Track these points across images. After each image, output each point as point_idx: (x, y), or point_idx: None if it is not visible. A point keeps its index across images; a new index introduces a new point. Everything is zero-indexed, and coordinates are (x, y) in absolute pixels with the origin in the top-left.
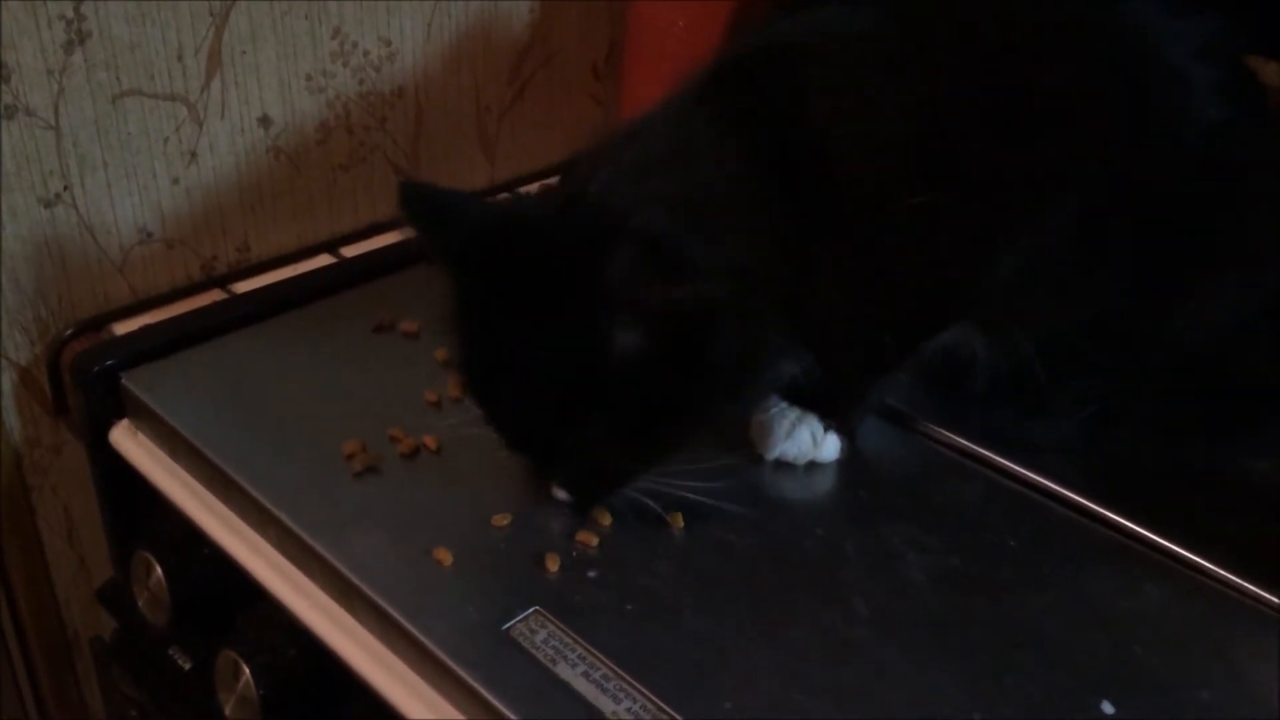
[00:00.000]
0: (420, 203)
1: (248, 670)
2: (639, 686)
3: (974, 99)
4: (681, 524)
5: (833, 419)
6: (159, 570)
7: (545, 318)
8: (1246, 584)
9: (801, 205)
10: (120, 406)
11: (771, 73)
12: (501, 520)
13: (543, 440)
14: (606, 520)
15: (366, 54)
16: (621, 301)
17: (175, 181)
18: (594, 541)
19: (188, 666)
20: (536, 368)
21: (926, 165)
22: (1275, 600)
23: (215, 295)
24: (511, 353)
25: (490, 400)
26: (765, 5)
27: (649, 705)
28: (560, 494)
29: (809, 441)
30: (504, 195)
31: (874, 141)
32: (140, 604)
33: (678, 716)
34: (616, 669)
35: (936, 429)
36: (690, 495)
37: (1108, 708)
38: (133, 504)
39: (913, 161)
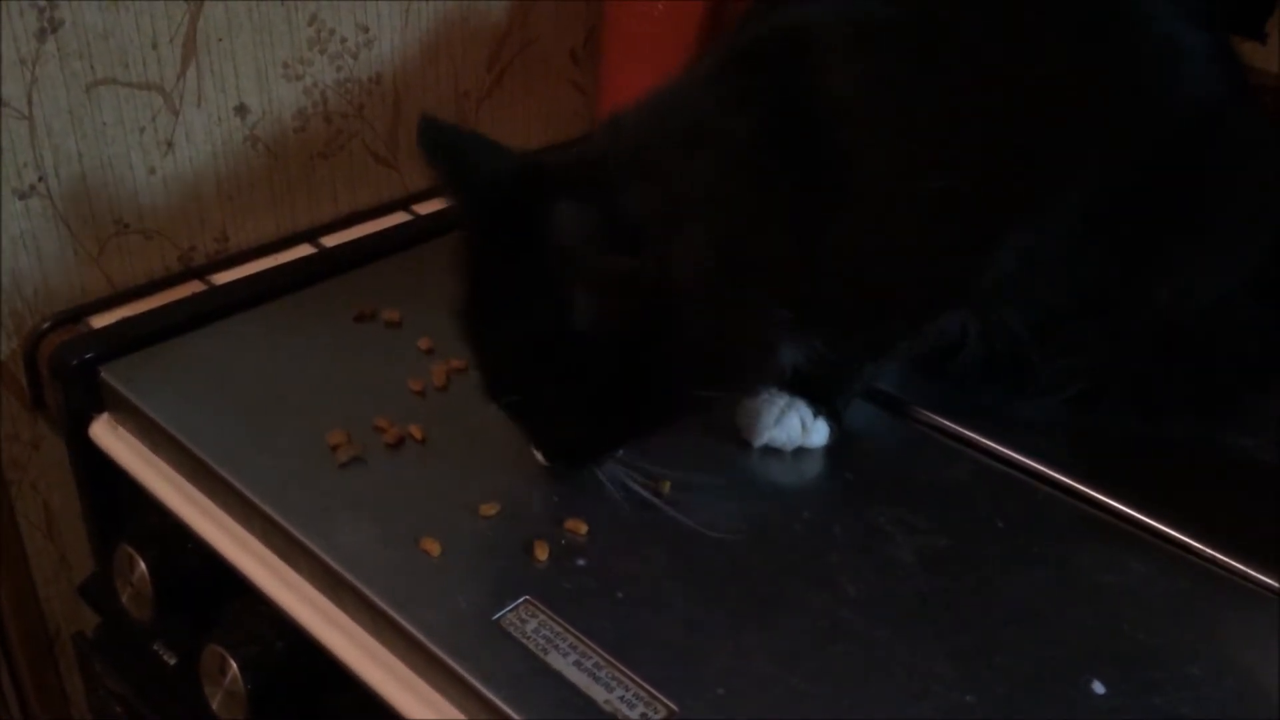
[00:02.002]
0: (439, 141)
1: (234, 664)
2: (631, 674)
3: (983, 82)
4: (668, 489)
5: (824, 404)
6: (142, 565)
7: (521, 274)
8: (1231, 560)
9: (811, 188)
10: (99, 400)
11: (784, 56)
12: (489, 509)
13: (515, 397)
14: (583, 530)
15: (344, 41)
16: (573, 265)
17: (152, 172)
18: (583, 529)
19: (173, 661)
20: (512, 323)
21: (940, 150)
22: (1259, 576)
23: (194, 286)
24: (495, 303)
25: (474, 348)
26: None
27: (641, 693)
28: (538, 455)
29: (798, 428)
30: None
31: (888, 127)
32: (123, 599)
33: (670, 703)
34: (608, 657)
35: (923, 411)
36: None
37: (1098, 687)
38: (114, 498)
39: (926, 147)
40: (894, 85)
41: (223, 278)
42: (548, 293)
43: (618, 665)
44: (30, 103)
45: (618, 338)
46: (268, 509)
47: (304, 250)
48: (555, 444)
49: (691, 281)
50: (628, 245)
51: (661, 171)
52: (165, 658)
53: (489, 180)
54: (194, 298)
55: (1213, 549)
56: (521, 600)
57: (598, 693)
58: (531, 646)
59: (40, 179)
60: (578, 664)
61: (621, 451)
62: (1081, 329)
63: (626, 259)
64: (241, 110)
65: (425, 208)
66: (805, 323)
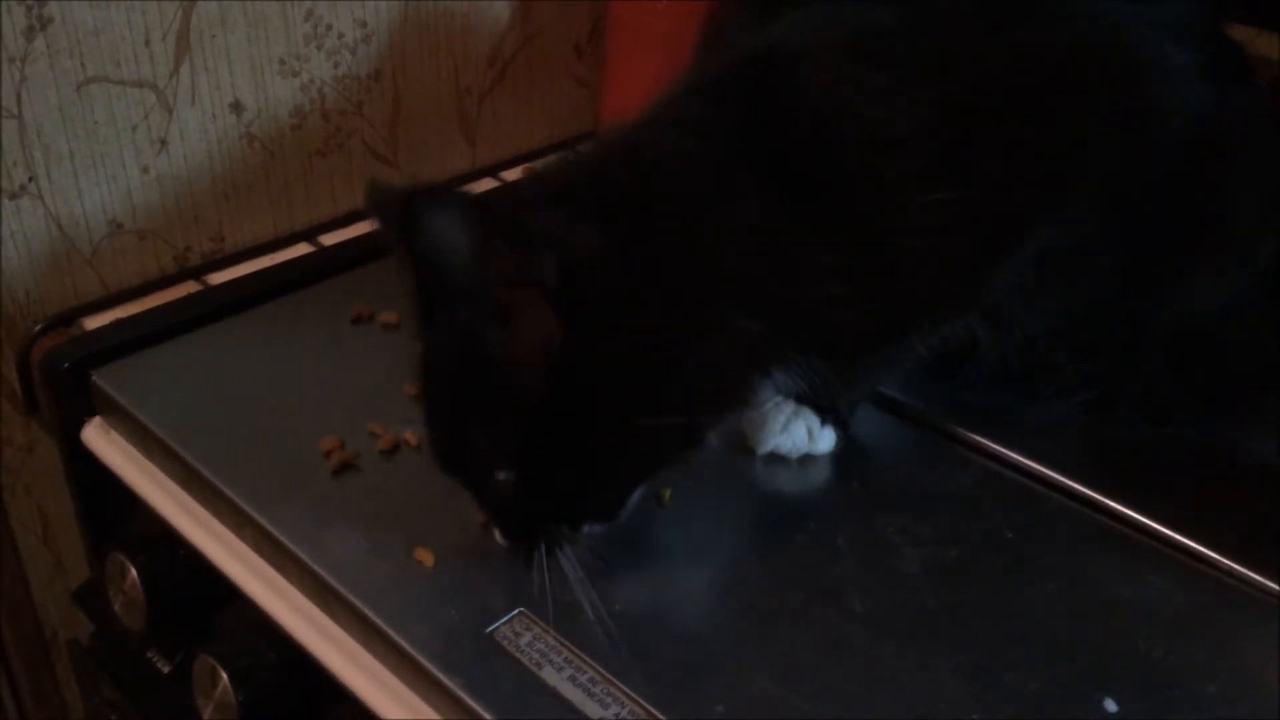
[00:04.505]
0: (383, 202)
1: (225, 676)
2: (627, 691)
3: (978, 95)
4: (669, 498)
5: (831, 411)
6: (133, 573)
7: (442, 301)
8: (1249, 572)
9: (801, 207)
10: (91, 404)
11: (767, 75)
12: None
13: (468, 466)
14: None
15: (341, 36)
16: (477, 289)
17: (145, 170)
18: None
19: (166, 669)
20: (453, 380)
21: (939, 163)
22: (1278, 588)
23: (189, 287)
24: (436, 362)
25: (426, 412)
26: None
27: (638, 710)
28: (497, 534)
29: (804, 436)
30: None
31: (882, 139)
32: (116, 607)
33: None
34: (604, 672)
35: (932, 417)
36: None
37: (1111, 705)
38: (108, 504)
39: (924, 159)
40: (888, 98)
41: (218, 278)
42: (454, 313)
43: (614, 681)
44: (20, 102)
45: (535, 356)
46: (258, 517)
47: (301, 249)
48: (506, 514)
49: (606, 284)
50: (525, 246)
51: (588, 189)
52: (159, 666)
53: (429, 221)
54: (187, 299)
55: (1232, 560)
56: (516, 612)
57: (593, 710)
58: (525, 661)
59: (31, 179)
60: (573, 679)
61: (587, 528)
62: (1094, 332)
63: (514, 255)
64: (237, 107)
65: None
66: (799, 345)
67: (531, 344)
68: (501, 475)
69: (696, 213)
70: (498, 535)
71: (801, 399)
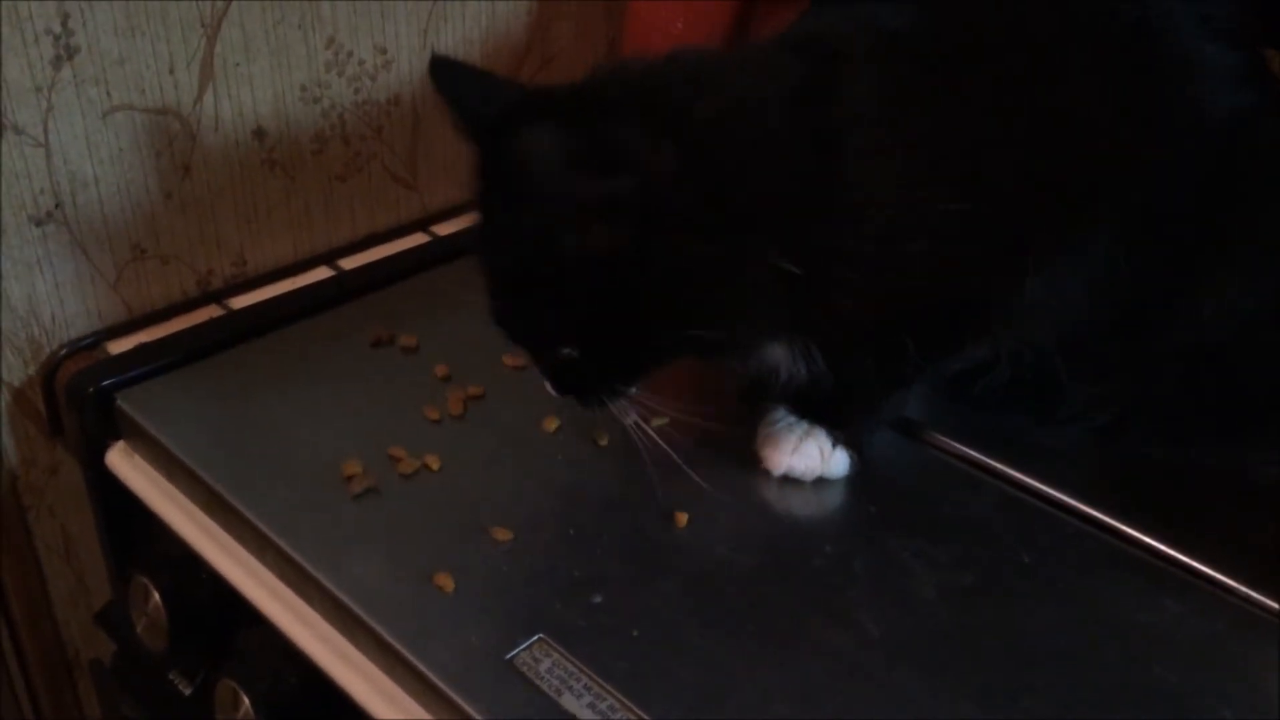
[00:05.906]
0: (450, 75)
1: (247, 699)
2: (645, 717)
3: (1000, 102)
4: (685, 522)
5: (842, 432)
6: (156, 595)
7: (513, 201)
8: (1266, 599)
9: (829, 188)
10: (115, 427)
11: (804, 63)
12: (503, 534)
13: (523, 328)
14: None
15: (362, 63)
16: (545, 187)
17: (169, 196)
18: (599, 565)
19: (188, 691)
20: (510, 251)
21: (958, 171)
22: None
23: (212, 311)
24: (496, 232)
25: (485, 276)
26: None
27: None
28: (548, 387)
29: (817, 457)
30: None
31: (898, 142)
32: (138, 629)
33: None
34: (623, 699)
35: (948, 440)
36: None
37: None
38: (131, 526)
39: (944, 166)
40: (907, 101)
41: (240, 301)
42: (532, 218)
43: (632, 708)
44: (46, 130)
45: (602, 263)
46: (280, 541)
47: (322, 273)
48: (560, 376)
49: (676, 207)
50: (611, 168)
51: (667, 106)
52: (180, 687)
53: (489, 110)
54: (210, 324)
55: (1247, 586)
56: (535, 639)
57: None
58: (545, 687)
59: (57, 205)
60: (591, 706)
61: (634, 389)
62: (1112, 352)
63: (600, 180)
64: (259, 133)
65: (444, 229)
66: (800, 326)
67: (602, 250)
68: (565, 351)
69: (758, 155)
70: (550, 388)
71: (814, 416)
